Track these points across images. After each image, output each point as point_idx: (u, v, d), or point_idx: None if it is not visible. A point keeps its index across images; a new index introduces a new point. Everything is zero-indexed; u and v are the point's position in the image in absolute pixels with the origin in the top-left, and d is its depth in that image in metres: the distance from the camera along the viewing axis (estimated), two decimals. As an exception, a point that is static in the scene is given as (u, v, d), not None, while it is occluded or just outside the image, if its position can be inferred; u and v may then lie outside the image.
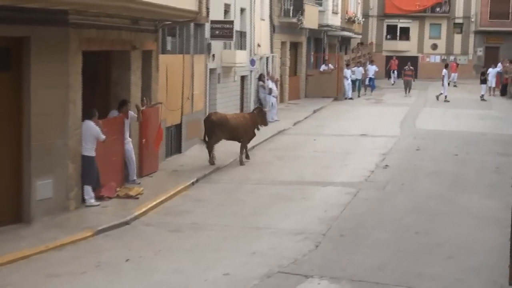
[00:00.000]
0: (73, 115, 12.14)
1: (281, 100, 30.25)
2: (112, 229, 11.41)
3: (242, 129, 17.02)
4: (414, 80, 38.63)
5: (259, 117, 17.49)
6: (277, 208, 13.13)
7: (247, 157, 17.44)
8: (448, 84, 35.73)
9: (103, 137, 12.66)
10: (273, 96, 25.65)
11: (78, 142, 12.31)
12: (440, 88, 35.09)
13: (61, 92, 11.85)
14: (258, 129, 17.59)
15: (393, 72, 45.62)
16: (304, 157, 18.71)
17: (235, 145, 18.71)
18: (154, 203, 13.03)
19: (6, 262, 9.63)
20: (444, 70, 34.96)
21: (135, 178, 14.40)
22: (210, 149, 16.48)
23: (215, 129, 16.58)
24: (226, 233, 11.43)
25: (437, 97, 34.54)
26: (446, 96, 33.91)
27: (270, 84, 25.60)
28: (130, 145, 14.27)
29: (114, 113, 14.11)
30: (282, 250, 10.48)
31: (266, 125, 17.87)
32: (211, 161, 16.48)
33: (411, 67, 38.20)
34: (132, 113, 14.26)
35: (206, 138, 16.68)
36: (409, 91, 36.83)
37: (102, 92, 14.88)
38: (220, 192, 14.53)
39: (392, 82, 44.90)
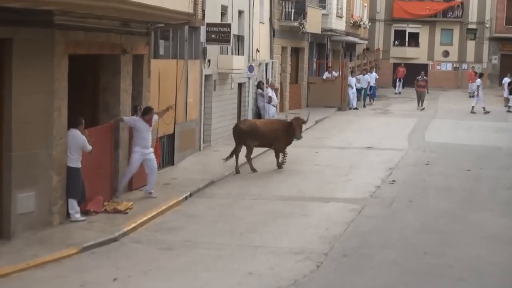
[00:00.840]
0: (58, 124, 12.16)
1: (281, 109, 30.30)
2: (99, 246, 11.40)
3: (272, 135, 17.90)
4: (428, 92, 36.63)
5: (297, 126, 17.93)
6: (275, 226, 13.13)
7: (279, 166, 18.20)
8: (472, 95, 35.45)
9: (89, 147, 12.67)
10: (273, 105, 25.72)
11: (63, 152, 12.33)
12: (472, 100, 34.65)
13: (45, 98, 11.87)
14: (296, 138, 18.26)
15: (399, 80, 45.66)
16: (305, 171, 18.73)
17: (230, 159, 18.76)
18: (144, 218, 13.04)
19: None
20: (479, 80, 34.07)
21: (151, 191, 14.45)
22: (249, 160, 17.68)
23: (245, 137, 17.39)
24: (221, 251, 11.42)
25: (472, 110, 33.31)
26: (484, 108, 33.19)
27: (270, 92, 25.68)
28: (153, 155, 14.42)
29: (134, 119, 14.26)
30: (281, 270, 10.47)
31: (298, 138, 18.04)
32: (237, 169, 17.45)
33: (425, 77, 36.58)
34: (156, 117, 14.64)
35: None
36: (421, 104, 35.40)
37: (90, 99, 14.89)
38: (215, 207, 14.54)
39: (397, 91, 44.98)
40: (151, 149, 14.49)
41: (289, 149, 21.81)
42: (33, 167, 11.74)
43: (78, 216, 12.60)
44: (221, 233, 12.51)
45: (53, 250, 10.93)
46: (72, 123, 12.56)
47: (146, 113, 14.38)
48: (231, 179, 17.08)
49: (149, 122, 14.41)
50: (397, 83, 45.68)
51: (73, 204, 12.55)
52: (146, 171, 14.55)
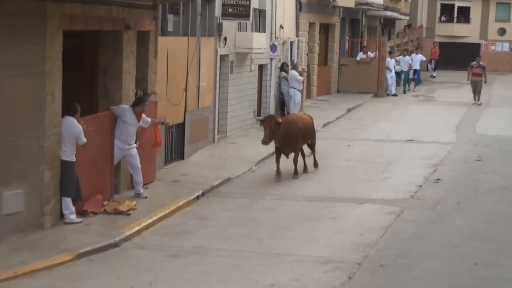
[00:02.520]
0: (51, 110, 12.16)
1: (308, 95, 30.22)
2: (97, 253, 11.41)
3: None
4: (485, 81, 33.17)
5: (266, 127, 16.64)
6: (300, 230, 13.11)
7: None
8: None
9: (84, 139, 12.68)
10: (298, 90, 25.64)
11: (56, 144, 12.35)
12: None
13: (36, 81, 11.88)
14: None
15: (430, 62, 45.14)
16: (335, 167, 18.69)
17: (248, 153, 18.75)
18: (150, 221, 13.08)
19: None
20: None
21: (141, 191, 14.47)
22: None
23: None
24: (238, 260, 11.38)
25: None
26: None
27: (296, 75, 25.60)
28: (135, 151, 14.35)
29: (124, 109, 14.16)
30: (307, 282, 10.43)
31: (263, 142, 16.51)
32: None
33: (481, 64, 32.91)
34: (144, 116, 14.34)
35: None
36: (478, 98, 32.32)
37: (87, 83, 14.93)
38: (231, 208, 14.52)
39: (432, 75, 44.57)
40: (134, 145, 14.38)
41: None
42: (21, 161, 11.76)
43: (73, 217, 12.64)
44: (238, 239, 12.49)
45: (45, 256, 10.94)
46: (67, 110, 12.57)
47: (137, 105, 14.23)
48: (250, 176, 17.11)
49: (138, 116, 14.24)
50: (428, 66, 45.14)
51: (68, 204, 12.59)
52: (129, 169, 14.49)
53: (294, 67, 26.08)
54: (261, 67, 24.59)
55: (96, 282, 10.29)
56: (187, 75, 17.84)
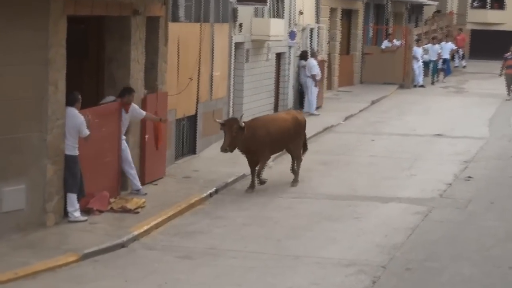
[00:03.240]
0: (54, 101, 12.19)
1: (329, 86, 30.16)
2: (103, 253, 11.42)
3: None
4: None
5: (227, 132, 15.15)
6: (321, 231, 13.09)
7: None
8: None
9: (86, 132, 12.67)
10: (314, 81, 25.50)
11: (60, 137, 12.36)
12: None
13: (38, 69, 11.90)
14: None
15: (457, 51, 44.85)
16: (358, 163, 18.66)
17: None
18: (159, 220, 13.09)
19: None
20: None
21: (139, 187, 14.45)
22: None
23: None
24: (253, 262, 11.37)
25: None
26: None
27: (313, 65, 25.50)
28: (124, 144, 14.31)
29: (110, 99, 14.16)
30: (328, 286, 10.42)
31: (222, 149, 15.16)
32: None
33: None
34: (136, 107, 14.25)
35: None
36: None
37: (93, 71, 14.95)
38: (246, 207, 14.52)
39: (457, 65, 44.28)
40: (123, 137, 14.30)
41: (337, 136, 21.71)
42: (22, 155, 11.80)
43: (78, 215, 12.66)
44: (254, 239, 12.48)
45: (47, 256, 10.96)
46: (67, 100, 12.56)
47: (123, 95, 14.10)
48: (266, 173, 17.03)
49: (126, 107, 14.07)
50: (455, 55, 44.82)
51: (72, 200, 12.61)
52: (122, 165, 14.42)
53: (313, 55, 26.00)
54: (278, 56, 24.55)
55: (101, 285, 10.29)
56: (199, 64, 17.85)
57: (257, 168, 15.58)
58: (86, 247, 11.39)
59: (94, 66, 14.96)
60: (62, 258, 10.96)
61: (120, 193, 14.21)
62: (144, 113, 14.53)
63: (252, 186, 15.54)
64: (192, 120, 18.07)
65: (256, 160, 15.52)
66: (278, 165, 17.99)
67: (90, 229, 12.33)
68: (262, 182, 15.70)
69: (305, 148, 16.87)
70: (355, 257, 11.63)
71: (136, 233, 12.29)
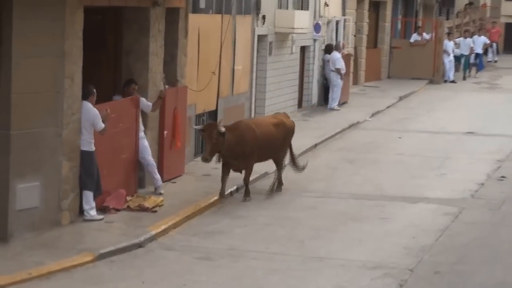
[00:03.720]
0: (70, 95, 12.24)
1: (355, 81, 30.09)
2: (120, 253, 11.46)
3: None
4: None
5: (206, 139, 14.39)
6: (345, 232, 13.10)
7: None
8: None
9: (101, 125, 12.67)
10: (338, 76, 25.41)
11: (76, 132, 12.42)
12: None
13: (54, 62, 11.94)
14: None
15: (491, 45, 44.47)
16: (385, 162, 18.63)
17: (296, 140, 18.74)
18: (178, 219, 13.13)
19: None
20: None
21: (159, 184, 14.43)
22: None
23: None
24: (275, 263, 11.36)
25: None
26: None
27: (337, 58, 25.39)
28: (144, 141, 14.32)
29: (117, 99, 14.21)
30: (353, 290, 10.43)
31: (203, 159, 14.31)
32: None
33: None
34: (143, 100, 14.22)
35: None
36: None
37: (110, 64, 14.98)
38: (268, 206, 14.55)
39: (490, 59, 43.95)
40: (142, 134, 14.32)
41: (363, 133, 21.68)
42: (37, 151, 11.83)
43: (94, 213, 12.71)
44: (276, 240, 12.48)
45: (62, 256, 11.00)
46: (82, 94, 12.58)
47: (124, 87, 14.11)
48: (289, 171, 17.03)
49: (133, 100, 14.01)
50: (489, 48, 44.45)
51: (88, 198, 12.66)
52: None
53: (337, 48, 25.88)
54: (303, 49, 24.53)
55: (118, 286, 10.32)
56: (220, 57, 17.85)
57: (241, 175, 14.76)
58: (102, 247, 11.43)
59: (111, 59, 14.99)
60: (78, 258, 11.01)
61: (137, 191, 14.26)
62: (149, 103, 14.37)
63: (222, 194, 14.53)
64: (213, 115, 18.06)
65: (240, 166, 14.63)
66: (301, 163, 17.96)
67: (106, 228, 12.37)
68: (247, 194, 14.74)
69: (293, 162, 15.86)
70: (382, 259, 11.60)
71: (153, 232, 12.32)
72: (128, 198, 13.68)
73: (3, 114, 11.50)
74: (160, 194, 14.28)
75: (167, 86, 14.80)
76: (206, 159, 14.08)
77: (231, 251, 11.88)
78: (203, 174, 16.09)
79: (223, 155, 14.38)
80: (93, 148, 12.67)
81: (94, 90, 12.80)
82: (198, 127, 14.83)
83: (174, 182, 15.24)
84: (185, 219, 13.25)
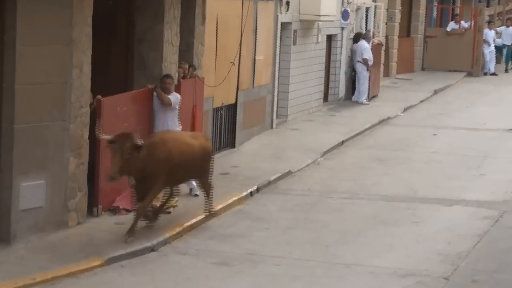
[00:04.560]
0: (78, 86, 12.29)
1: (386, 73, 29.99)
2: (130, 258, 11.52)
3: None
4: None
5: (114, 154, 12.12)
6: (375, 236, 13.07)
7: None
8: None
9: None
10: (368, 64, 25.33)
11: (84, 126, 12.48)
12: None
13: (61, 51, 11.96)
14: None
15: None
16: (418, 161, 18.54)
17: (313, 141, 18.69)
18: (193, 221, 13.20)
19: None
20: None
21: (194, 185, 14.34)
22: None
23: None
24: (298, 270, 11.36)
25: None
26: None
27: (365, 49, 25.29)
28: None
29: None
30: (382, 299, 10.43)
31: (108, 178, 12.20)
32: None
33: None
34: (177, 96, 14.08)
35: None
36: None
37: (121, 53, 14.99)
38: (291, 208, 14.55)
39: None
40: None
41: (394, 130, 21.61)
42: (43, 146, 11.87)
43: None
44: (299, 245, 12.49)
45: (68, 261, 11.04)
46: None
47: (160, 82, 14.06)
48: (314, 170, 17.10)
49: (162, 94, 13.86)
50: None
51: None
52: None
53: (365, 37, 25.77)
54: (329, 38, 24.46)
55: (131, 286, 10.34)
56: (240, 46, 17.82)
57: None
58: (112, 250, 11.48)
59: (122, 47, 15.00)
60: (85, 263, 11.03)
61: None
62: (178, 96, 14.21)
63: (150, 217, 12.70)
64: (232, 109, 18.11)
65: (145, 189, 12.39)
66: (328, 161, 17.96)
67: (116, 231, 12.41)
68: (149, 218, 12.68)
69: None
70: (414, 266, 11.56)
71: (167, 235, 12.38)
72: (140, 198, 13.70)
73: (7, 107, 11.55)
74: (196, 195, 14.32)
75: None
76: (113, 178, 11.89)
77: (251, 256, 11.86)
78: (221, 172, 16.02)
79: (135, 176, 12.40)
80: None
81: None
82: (106, 137, 12.06)
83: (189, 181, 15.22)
84: (201, 222, 13.29)
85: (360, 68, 25.31)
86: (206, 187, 13.36)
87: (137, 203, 12.40)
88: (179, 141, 12.95)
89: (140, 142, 11.96)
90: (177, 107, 14.02)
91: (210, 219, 13.49)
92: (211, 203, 13.43)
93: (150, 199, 12.45)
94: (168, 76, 14.12)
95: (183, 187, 14.18)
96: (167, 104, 13.89)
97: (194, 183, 14.40)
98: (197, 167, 13.09)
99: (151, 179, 12.35)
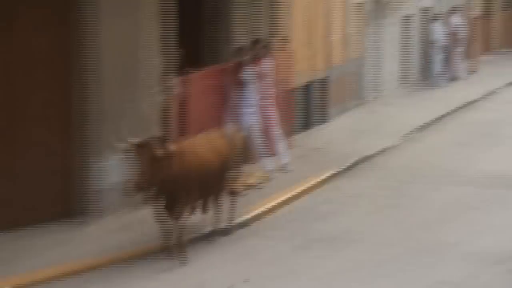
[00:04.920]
0: (156, 63, 12.38)
1: (486, 47, 29.31)
2: (215, 236, 11.50)
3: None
4: None
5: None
6: (467, 221, 12.70)
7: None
8: None
9: None
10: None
11: (165, 104, 12.53)
12: None
13: (145, 23, 12.05)
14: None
15: None
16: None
17: (409, 117, 18.42)
18: (283, 198, 13.15)
19: (44, 278, 9.75)
20: None
21: (286, 160, 14.41)
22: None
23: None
24: (395, 250, 11.21)
25: None
26: None
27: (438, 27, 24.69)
28: (253, 117, 14.09)
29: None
30: (486, 281, 10.17)
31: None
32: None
33: None
34: (267, 65, 14.11)
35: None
36: None
37: (190, 29, 14.79)
38: (386, 187, 14.41)
39: None
40: (253, 108, 14.19)
41: (492, 107, 21.10)
42: (126, 121, 11.80)
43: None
44: (393, 226, 12.31)
45: (147, 239, 11.01)
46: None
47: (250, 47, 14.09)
48: (411, 146, 16.86)
49: (255, 64, 14.01)
50: None
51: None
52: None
53: (438, 17, 25.00)
54: (408, 19, 23.89)
55: (214, 270, 10.29)
56: (330, 19, 17.73)
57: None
58: (195, 228, 11.35)
59: (192, 24, 14.80)
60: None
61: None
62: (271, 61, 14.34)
63: (167, 244, 10.68)
64: (322, 85, 18.04)
65: (175, 207, 10.61)
66: (425, 138, 17.60)
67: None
68: (179, 249, 10.64)
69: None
70: (506, 252, 11.17)
71: (256, 212, 12.35)
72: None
73: (93, 82, 11.52)
74: (288, 171, 14.31)
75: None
76: (129, 194, 10.35)
77: (343, 235, 11.78)
78: (311, 148, 16.11)
79: (157, 192, 10.53)
80: None
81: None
82: (126, 144, 10.22)
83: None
84: (289, 200, 13.20)
85: (433, 48, 24.65)
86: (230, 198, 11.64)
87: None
88: (205, 144, 11.17)
89: (161, 153, 10.09)
90: (266, 79, 14.08)
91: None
92: (232, 216, 11.79)
93: (178, 216, 10.53)
94: (257, 42, 14.12)
95: (270, 163, 14.20)
96: (256, 75, 13.92)
97: (285, 156, 14.36)
98: (225, 170, 11.30)
99: (183, 195, 10.56)
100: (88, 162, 11.57)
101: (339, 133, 17.47)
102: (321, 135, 17.21)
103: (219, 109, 13.90)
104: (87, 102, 11.51)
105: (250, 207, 12.52)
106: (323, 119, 18.18)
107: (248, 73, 13.92)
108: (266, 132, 14.34)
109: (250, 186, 13.42)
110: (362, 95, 20.39)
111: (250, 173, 13.90)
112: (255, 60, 14.13)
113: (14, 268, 9.91)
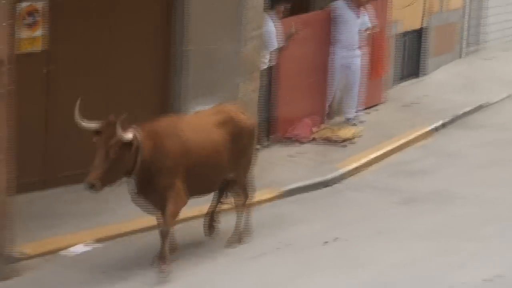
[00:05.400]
0: (251, 6, 12.18)
1: None
2: (303, 192, 11.53)
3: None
4: None
5: None
6: None
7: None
8: None
9: (274, 44, 12.74)
10: None
11: (257, 50, 12.39)
12: None
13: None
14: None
15: None
16: None
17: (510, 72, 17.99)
18: (372, 156, 13.09)
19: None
20: None
21: (350, 115, 14.44)
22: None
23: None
24: (492, 210, 10.95)
25: None
26: None
27: None
28: (357, 62, 14.20)
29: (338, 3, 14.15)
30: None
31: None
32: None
33: None
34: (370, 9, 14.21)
35: None
36: None
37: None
38: (483, 144, 14.26)
39: None
40: (357, 53, 14.27)
41: None
42: (211, 71, 11.80)
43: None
44: (493, 183, 12.11)
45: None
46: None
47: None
48: (510, 104, 16.46)
49: (358, 4, 14.02)
50: None
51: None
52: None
53: None
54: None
55: (300, 228, 10.22)
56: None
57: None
58: (283, 184, 11.45)
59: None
60: (258, 194, 10.67)
61: (325, 121, 14.28)
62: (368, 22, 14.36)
63: (173, 247, 9.03)
64: (417, 36, 17.87)
65: (161, 199, 8.86)
66: None
67: (287, 164, 12.44)
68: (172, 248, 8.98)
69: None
70: None
71: (343, 170, 12.31)
72: (314, 129, 13.70)
73: (178, 28, 11.54)
74: (354, 125, 14.26)
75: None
76: (91, 185, 8.32)
77: (436, 195, 11.56)
78: (404, 104, 16.01)
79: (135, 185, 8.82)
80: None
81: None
82: (89, 125, 8.50)
83: (369, 113, 15.09)
84: (381, 157, 13.16)
85: None
86: (245, 185, 9.73)
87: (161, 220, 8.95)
88: (197, 125, 9.25)
89: (129, 136, 8.40)
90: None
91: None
92: (242, 224, 9.79)
93: (172, 212, 8.78)
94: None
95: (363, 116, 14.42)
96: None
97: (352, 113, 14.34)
98: (229, 155, 9.32)
99: (161, 182, 8.81)
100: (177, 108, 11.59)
101: (433, 88, 17.27)
102: (414, 90, 17.05)
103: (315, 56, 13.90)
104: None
105: (345, 161, 12.55)
106: (421, 71, 18.03)
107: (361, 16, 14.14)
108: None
109: (346, 140, 13.46)
110: (462, 47, 20.11)
111: (345, 127, 14.01)
112: (358, 5, 14.19)
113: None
